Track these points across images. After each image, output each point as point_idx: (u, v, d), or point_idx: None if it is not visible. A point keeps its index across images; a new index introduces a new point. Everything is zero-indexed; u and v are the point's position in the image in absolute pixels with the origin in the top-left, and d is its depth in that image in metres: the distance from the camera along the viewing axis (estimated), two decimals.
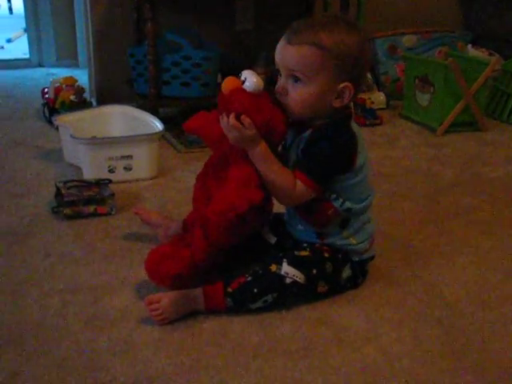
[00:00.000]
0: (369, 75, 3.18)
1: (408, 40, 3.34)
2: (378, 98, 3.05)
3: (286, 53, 1.30)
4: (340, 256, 1.39)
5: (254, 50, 2.84)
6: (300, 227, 1.43)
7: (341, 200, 1.35)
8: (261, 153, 1.31)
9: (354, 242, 1.40)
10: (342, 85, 1.29)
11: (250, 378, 1.14)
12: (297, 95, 1.31)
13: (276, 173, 1.32)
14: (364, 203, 1.39)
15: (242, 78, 1.30)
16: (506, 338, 1.27)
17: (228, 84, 1.30)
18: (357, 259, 1.42)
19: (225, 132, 1.31)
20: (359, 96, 2.87)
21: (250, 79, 1.28)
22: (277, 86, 1.33)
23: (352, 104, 2.73)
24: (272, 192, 1.34)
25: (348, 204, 1.36)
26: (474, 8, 3.53)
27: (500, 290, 1.45)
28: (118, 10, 2.84)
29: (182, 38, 2.50)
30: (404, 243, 1.67)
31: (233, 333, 1.26)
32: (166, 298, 1.28)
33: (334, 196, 1.35)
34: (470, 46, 3.27)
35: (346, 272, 1.40)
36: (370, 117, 2.81)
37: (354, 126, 1.37)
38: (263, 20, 3.03)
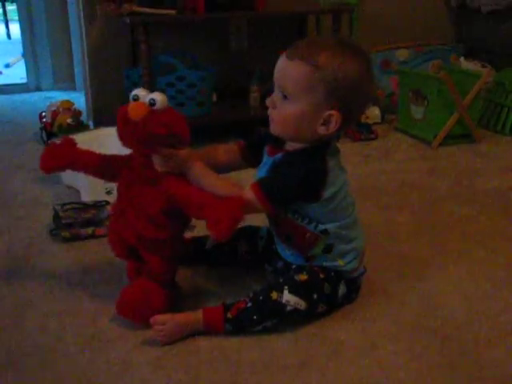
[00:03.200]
0: None
1: (401, 54, 3.37)
2: (373, 112, 3.07)
3: (281, 66, 1.28)
4: (333, 274, 1.38)
5: (249, 69, 2.87)
6: (287, 252, 1.43)
7: (314, 224, 1.35)
8: (199, 168, 1.31)
9: (342, 263, 1.39)
10: (328, 112, 1.25)
11: None
12: (281, 112, 1.29)
13: (217, 184, 1.31)
14: (340, 223, 1.36)
15: (147, 100, 1.28)
16: (502, 348, 1.28)
17: (137, 110, 1.27)
18: (348, 277, 1.42)
19: (161, 166, 1.31)
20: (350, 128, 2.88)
21: (158, 98, 1.28)
22: (267, 99, 1.32)
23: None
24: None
25: (322, 226, 1.35)
26: (466, 21, 3.56)
27: (495, 301, 1.46)
28: (113, 33, 2.87)
29: (174, 59, 2.52)
30: (399, 255, 1.68)
31: (230, 350, 1.27)
32: (171, 321, 1.28)
33: (306, 220, 1.35)
34: (462, 58, 3.30)
35: (342, 289, 1.40)
36: (365, 131, 2.82)
37: (333, 157, 1.32)
38: (257, 39, 3.06)
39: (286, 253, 1.44)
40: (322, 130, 1.28)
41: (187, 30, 2.97)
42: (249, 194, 1.28)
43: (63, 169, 1.42)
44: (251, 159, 1.47)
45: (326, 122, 1.27)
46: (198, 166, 1.32)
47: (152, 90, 2.33)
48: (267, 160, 1.38)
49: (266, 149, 1.40)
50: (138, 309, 1.33)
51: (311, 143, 1.31)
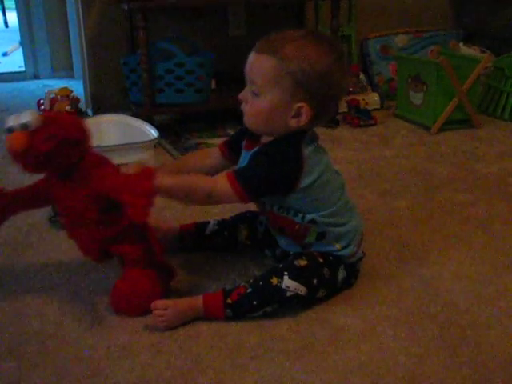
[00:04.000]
0: (362, 76, 3.21)
1: (400, 40, 3.36)
2: (372, 98, 3.07)
3: (250, 60, 1.28)
4: (332, 259, 1.38)
5: (247, 55, 2.86)
6: (283, 242, 1.44)
7: (300, 215, 1.34)
8: (166, 182, 1.28)
9: (339, 247, 1.39)
10: (298, 104, 1.25)
11: (249, 378, 1.15)
12: (253, 106, 1.28)
13: (191, 182, 1.31)
14: (327, 211, 1.35)
15: (19, 128, 1.22)
16: (502, 332, 1.28)
17: (15, 143, 1.21)
18: (347, 262, 1.41)
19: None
20: (352, 97, 2.89)
21: (29, 119, 1.22)
22: (240, 93, 1.31)
23: (344, 106, 2.79)
24: (191, 199, 1.35)
25: (309, 216, 1.34)
26: (466, 6, 3.55)
27: (495, 285, 1.46)
28: (111, 20, 2.86)
29: (172, 45, 2.51)
30: (399, 241, 1.68)
31: (230, 335, 1.28)
32: (171, 307, 1.28)
33: (291, 213, 1.35)
34: (461, 44, 3.29)
35: (341, 274, 1.40)
36: (365, 117, 2.82)
37: (309, 145, 1.31)
38: (256, 25, 3.05)
39: (282, 242, 1.45)
40: (293, 122, 1.27)
41: (185, 16, 2.96)
42: (223, 183, 1.27)
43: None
44: (233, 157, 1.45)
45: (296, 115, 1.26)
46: (165, 178, 1.29)
47: (151, 77, 2.34)
48: (245, 154, 1.37)
49: (244, 143, 1.40)
50: (134, 301, 1.33)
51: (283, 134, 1.31)
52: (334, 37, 2.75)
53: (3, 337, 1.29)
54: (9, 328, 1.32)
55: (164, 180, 1.28)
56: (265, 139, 1.35)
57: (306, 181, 1.29)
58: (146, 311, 1.31)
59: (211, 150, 1.52)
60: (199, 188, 1.30)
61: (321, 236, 1.37)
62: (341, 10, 2.80)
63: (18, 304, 1.40)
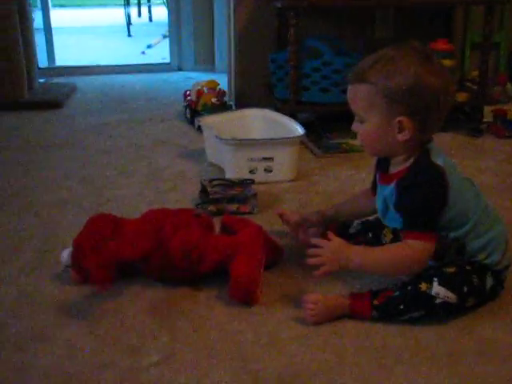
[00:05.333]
0: (509, 86, 3.09)
1: None
2: None
3: (348, 94, 1.33)
4: (478, 266, 1.35)
5: None
6: None
7: (444, 233, 1.33)
8: (361, 259, 1.33)
9: (483, 257, 1.35)
10: (397, 119, 1.26)
11: (394, 381, 1.14)
12: (362, 134, 1.33)
13: (385, 258, 1.34)
14: (468, 226, 1.33)
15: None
16: None
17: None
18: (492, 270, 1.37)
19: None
20: (499, 107, 2.79)
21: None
22: (351, 127, 1.36)
23: (490, 116, 2.70)
24: (398, 272, 1.36)
25: (451, 235, 1.33)
26: None
27: None
28: (260, 17, 2.92)
29: (322, 44, 2.53)
30: None
31: (375, 336, 1.27)
32: (322, 302, 1.31)
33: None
34: None
35: (489, 281, 1.36)
36: (511, 128, 2.71)
37: (439, 156, 1.31)
38: (403, 28, 3.01)
39: None
40: (401, 137, 1.28)
41: (332, 16, 2.97)
42: (417, 245, 1.29)
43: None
44: None
45: (400, 130, 1.28)
46: (356, 251, 1.34)
47: (298, 74, 2.35)
48: (381, 188, 1.40)
49: (378, 177, 1.42)
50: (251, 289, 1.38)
51: (405, 152, 1.32)
52: (484, 44, 2.67)
53: (157, 314, 1.35)
54: (161, 306, 1.39)
55: (357, 258, 1.33)
56: (392, 167, 1.36)
57: (451, 190, 1.30)
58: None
59: (367, 188, 1.56)
60: (401, 261, 1.32)
61: (460, 251, 1.35)
62: (494, 15, 2.71)
63: (170, 286, 1.46)
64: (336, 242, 1.34)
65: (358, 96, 1.30)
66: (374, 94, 1.26)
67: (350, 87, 1.32)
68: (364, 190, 1.58)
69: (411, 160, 1.32)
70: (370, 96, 1.27)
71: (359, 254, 1.34)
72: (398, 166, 1.34)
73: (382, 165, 1.40)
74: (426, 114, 1.27)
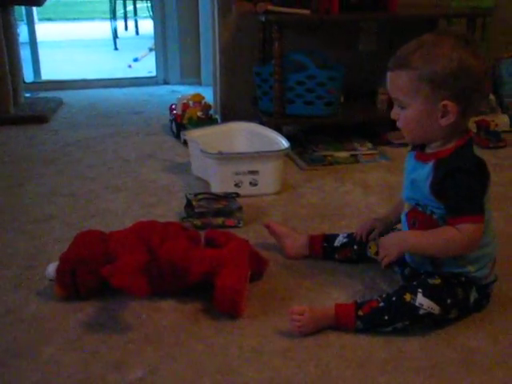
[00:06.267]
0: (492, 97, 3.12)
1: None
2: (502, 120, 2.97)
3: (388, 80, 1.33)
4: (464, 279, 1.36)
5: (377, 71, 2.85)
6: (415, 258, 1.43)
7: None
8: (415, 240, 1.36)
9: (472, 269, 1.36)
10: (442, 103, 1.27)
11: None
12: (404, 121, 1.34)
13: (435, 239, 1.34)
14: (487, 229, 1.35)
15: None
16: None
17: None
18: (478, 284, 1.39)
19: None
20: (482, 118, 2.82)
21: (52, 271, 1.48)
22: (391, 113, 1.36)
23: (474, 127, 2.73)
24: (446, 253, 1.35)
25: None
26: None
27: None
28: (244, 31, 2.94)
29: (305, 57, 2.55)
30: None
31: (359, 347, 1.28)
32: (308, 313, 1.31)
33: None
34: None
35: (473, 295, 1.37)
36: (494, 139, 2.74)
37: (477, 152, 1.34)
38: (386, 41, 3.04)
39: (412, 258, 1.44)
40: (444, 121, 1.29)
41: (316, 30, 2.99)
42: (468, 228, 1.29)
43: None
44: None
45: (444, 114, 1.28)
46: (408, 235, 1.40)
47: (283, 87, 2.37)
48: (416, 164, 1.38)
49: (414, 154, 1.41)
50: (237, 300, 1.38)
51: (445, 138, 1.33)
52: None
53: (142, 328, 1.36)
54: (147, 320, 1.39)
55: (412, 239, 1.38)
56: (430, 150, 1.36)
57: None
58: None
59: None
60: (449, 243, 1.32)
61: (434, 262, 1.38)
62: (476, 28, 2.74)
63: (155, 299, 1.46)
64: (389, 235, 1.43)
65: (399, 83, 1.30)
66: (417, 79, 1.26)
67: (390, 74, 1.32)
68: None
69: (452, 144, 1.33)
70: (413, 81, 1.27)
71: (415, 236, 1.38)
72: (435, 149, 1.35)
73: (417, 147, 1.41)
74: (469, 97, 1.28)
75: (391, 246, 1.37)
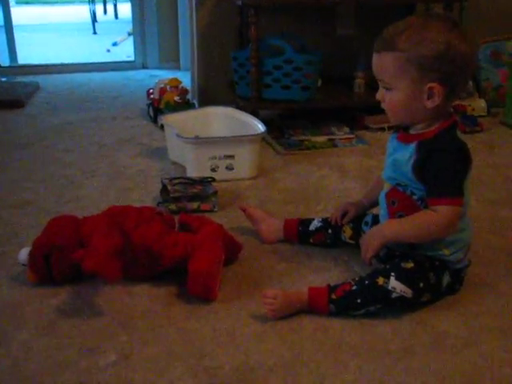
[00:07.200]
0: (469, 81, 3.13)
1: None
2: (479, 104, 2.99)
3: (373, 61, 1.33)
4: (437, 264, 1.38)
5: (355, 55, 2.85)
6: None
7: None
8: (395, 230, 1.37)
9: (447, 252, 1.37)
10: (428, 85, 1.27)
11: (349, 375, 1.16)
12: (389, 103, 1.34)
13: (412, 226, 1.35)
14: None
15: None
16: None
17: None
18: (451, 268, 1.40)
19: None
20: (458, 102, 2.83)
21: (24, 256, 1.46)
22: (376, 95, 1.36)
23: (454, 111, 2.74)
24: (425, 237, 1.36)
25: None
26: None
27: None
28: (222, 15, 2.92)
29: (283, 41, 2.54)
30: (506, 251, 1.64)
31: (332, 330, 1.29)
32: (281, 297, 1.32)
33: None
34: None
35: (446, 279, 1.39)
36: (471, 124, 2.76)
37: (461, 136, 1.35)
38: (364, 25, 3.03)
39: None
40: (429, 103, 1.29)
41: (293, 14, 2.98)
42: (445, 211, 1.30)
43: None
44: None
45: (430, 96, 1.29)
46: (387, 227, 1.39)
47: (259, 72, 2.36)
48: (398, 145, 1.39)
49: (396, 136, 1.41)
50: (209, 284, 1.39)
51: (430, 119, 1.33)
52: None
53: (116, 313, 1.36)
54: (121, 305, 1.39)
55: (389, 229, 1.38)
56: (414, 131, 1.37)
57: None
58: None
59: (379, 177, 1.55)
60: (427, 227, 1.33)
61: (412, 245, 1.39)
62: (453, 13, 2.74)
63: (129, 284, 1.46)
64: (367, 232, 1.44)
65: (385, 64, 1.30)
66: (404, 61, 1.26)
67: (376, 55, 1.31)
68: (379, 177, 1.55)
69: (435, 126, 1.33)
70: (400, 63, 1.27)
71: (392, 226, 1.38)
72: (419, 131, 1.35)
73: (401, 128, 1.41)
74: (455, 79, 1.29)
75: (370, 240, 1.37)
